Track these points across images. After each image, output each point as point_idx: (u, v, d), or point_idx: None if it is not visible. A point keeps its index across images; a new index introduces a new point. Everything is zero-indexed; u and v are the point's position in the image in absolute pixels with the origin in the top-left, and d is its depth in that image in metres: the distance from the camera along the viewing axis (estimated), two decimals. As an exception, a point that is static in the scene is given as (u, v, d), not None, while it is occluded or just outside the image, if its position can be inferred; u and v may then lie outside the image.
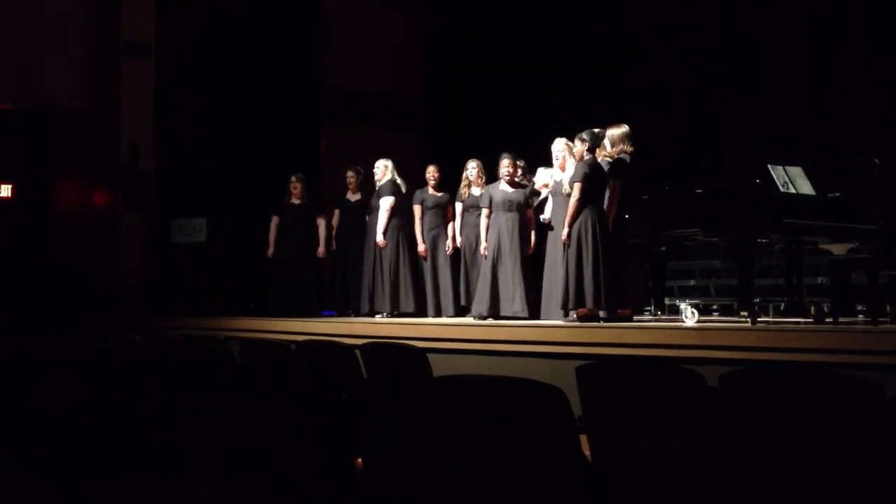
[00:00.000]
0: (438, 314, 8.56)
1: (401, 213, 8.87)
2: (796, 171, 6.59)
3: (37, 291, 11.11)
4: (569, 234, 6.79)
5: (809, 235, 6.68)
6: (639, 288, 7.70)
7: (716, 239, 7.21)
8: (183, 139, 12.39)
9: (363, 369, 5.45)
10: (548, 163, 7.96)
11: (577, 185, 6.82)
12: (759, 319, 6.16)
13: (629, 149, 7.22)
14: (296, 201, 9.57)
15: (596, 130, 7.05)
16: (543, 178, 8.12)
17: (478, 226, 8.15)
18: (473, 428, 2.34)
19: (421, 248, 8.77)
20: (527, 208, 8.03)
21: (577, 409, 3.49)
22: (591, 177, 6.83)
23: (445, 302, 8.60)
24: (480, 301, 7.83)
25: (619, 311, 6.92)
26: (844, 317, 6.51)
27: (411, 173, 9.26)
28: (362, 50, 12.93)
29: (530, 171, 8.35)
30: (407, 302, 8.74)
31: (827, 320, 6.25)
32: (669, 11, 10.44)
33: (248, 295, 11.09)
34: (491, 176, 8.37)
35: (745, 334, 5.53)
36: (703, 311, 8.15)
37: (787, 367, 4.99)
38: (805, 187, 6.56)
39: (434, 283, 8.69)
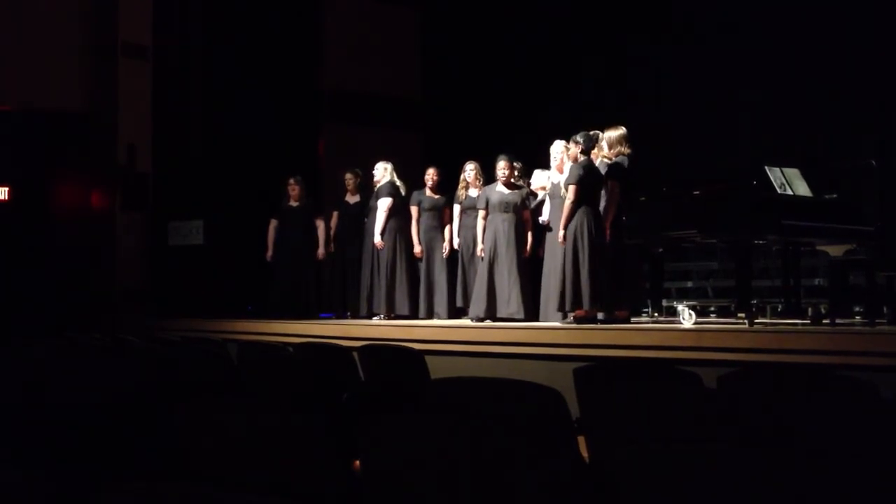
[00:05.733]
0: (430, 316, 8.56)
1: (399, 214, 8.87)
2: (793, 173, 6.60)
3: (35, 293, 11.09)
4: (564, 236, 6.80)
5: (807, 237, 6.68)
6: (636, 289, 7.70)
7: (713, 240, 7.21)
8: (180, 141, 12.38)
9: (361, 371, 5.45)
10: (546, 164, 7.97)
11: (571, 188, 6.83)
12: (756, 321, 6.16)
13: (627, 150, 7.22)
14: (294, 203, 9.55)
15: (591, 132, 7.06)
16: (539, 180, 8.13)
17: (475, 227, 8.16)
18: (471, 430, 2.34)
19: (417, 249, 8.77)
20: (524, 210, 8.03)
21: (574, 410, 3.50)
22: (586, 178, 6.84)
23: (439, 304, 8.60)
24: (477, 303, 7.83)
25: (616, 312, 6.92)
26: (842, 318, 6.52)
27: (410, 174, 9.25)
28: (361, 50, 12.90)
29: (527, 174, 8.35)
30: (402, 304, 8.75)
31: (824, 322, 6.26)
32: (668, 13, 10.45)
33: (245, 297, 11.07)
34: (489, 177, 8.37)
35: (743, 336, 5.54)
36: (701, 312, 8.15)
37: (784, 368, 4.99)
38: (802, 189, 6.57)
39: (428, 284, 8.69)
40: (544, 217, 7.76)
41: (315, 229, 9.49)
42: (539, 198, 8.07)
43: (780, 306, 7.43)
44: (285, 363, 5.52)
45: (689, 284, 9.64)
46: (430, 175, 8.88)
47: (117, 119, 11.70)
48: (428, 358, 5.36)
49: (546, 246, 7.59)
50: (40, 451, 2.88)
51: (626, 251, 7.12)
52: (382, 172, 8.99)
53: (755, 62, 9.70)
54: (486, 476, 2.23)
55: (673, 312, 7.75)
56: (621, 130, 7.30)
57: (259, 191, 11.07)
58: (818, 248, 7.12)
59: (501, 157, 8.07)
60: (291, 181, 9.57)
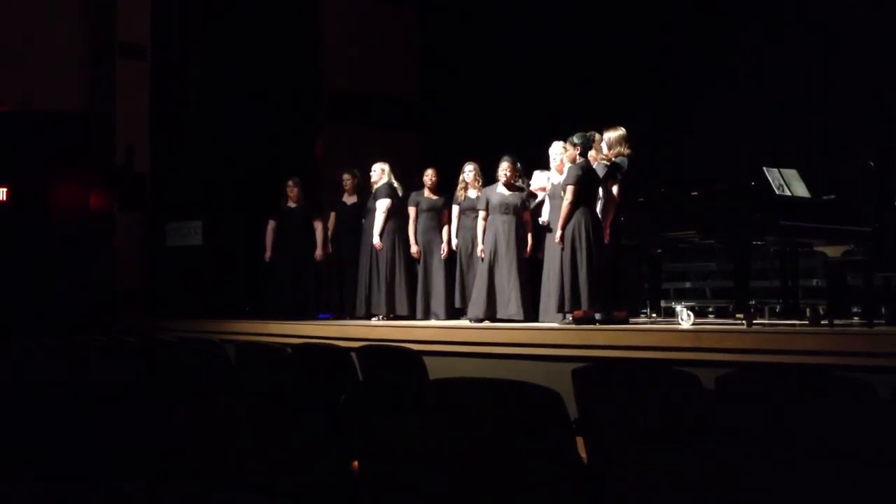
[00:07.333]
0: (427, 317, 8.56)
1: (397, 215, 8.88)
2: (791, 174, 6.60)
3: (33, 293, 11.09)
4: (562, 237, 6.81)
5: (805, 237, 6.69)
6: (635, 290, 7.70)
7: (712, 241, 7.21)
8: (179, 141, 12.37)
9: (359, 372, 5.45)
10: (545, 165, 7.97)
11: (569, 188, 6.83)
12: (754, 321, 6.17)
13: (626, 151, 7.23)
14: (292, 204, 9.54)
15: (587, 133, 7.06)
16: (539, 180, 8.13)
17: (474, 228, 8.16)
18: (470, 431, 2.34)
19: (413, 249, 8.77)
20: (524, 211, 8.04)
21: (573, 411, 3.50)
22: (584, 179, 6.84)
23: (436, 305, 8.60)
24: (477, 304, 7.83)
25: (615, 313, 6.92)
26: (840, 319, 6.52)
27: (409, 175, 9.24)
28: (360, 50, 12.89)
29: (527, 174, 8.35)
30: (401, 304, 8.75)
31: (822, 322, 6.26)
32: (666, 13, 10.45)
33: (244, 298, 11.07)
34: (488, 178, 8.37)
35: (741, 336, 5.54)
36: (699, 313, 8.15)
37: (782, 369, 5.00)
38: (800, 189, 6.57)
39: (425, 285, 8.69)
40: (544, 218, 7.76)
41: (313, 230, 9.48)
42: (539, 199, 8.08)
43: (778, 307, 7.44)
44: (283, 364, 5.52)
45: (688, 285, 9.63)
46: (429, 176, 8.89)
47: (116, 119, 11.71)
48: (426, 359, 5.36)
49: (545, 247, 7.59)
50: (39, 451, 2.88)
51: (624, 252, 7.12)
52: (380, 174, 9.00)
53: (755, 62, 9.70)
54: (484, 476, 2.23)
55: (671, 313, 7.76)
56: (620, 131, 7.31)
57: (257, 191, 11.05)
58: (816, 248, 7.12)
59: (505, 157, 8.08)
60: (290, 182, 9.56)
